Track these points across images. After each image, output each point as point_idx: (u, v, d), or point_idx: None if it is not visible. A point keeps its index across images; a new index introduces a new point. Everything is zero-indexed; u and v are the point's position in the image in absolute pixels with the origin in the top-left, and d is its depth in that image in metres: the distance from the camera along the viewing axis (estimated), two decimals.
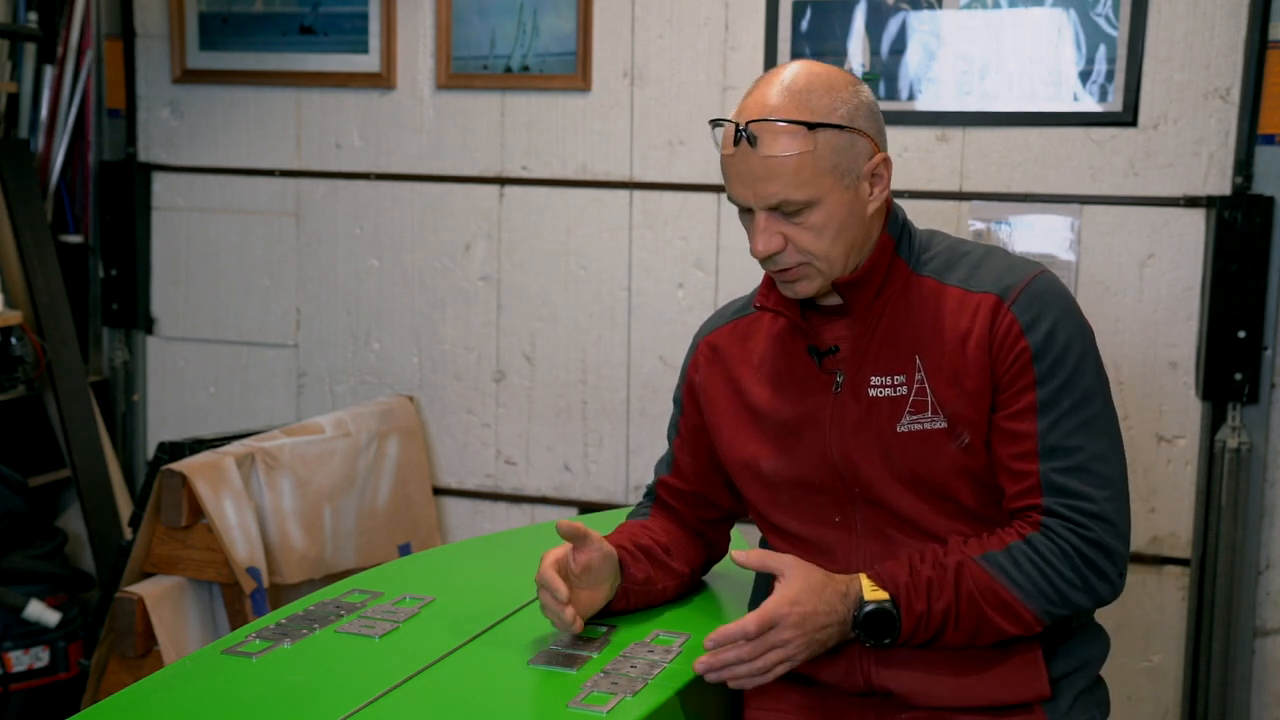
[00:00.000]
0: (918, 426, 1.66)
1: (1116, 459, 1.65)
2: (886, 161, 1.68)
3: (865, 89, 1.69)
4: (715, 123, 1.69)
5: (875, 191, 1.68)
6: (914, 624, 1.60)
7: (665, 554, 1.85)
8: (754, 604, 1.81)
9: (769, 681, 1.60)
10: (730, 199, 1.70)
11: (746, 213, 1.69)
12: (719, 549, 1.97)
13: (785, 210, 1.64)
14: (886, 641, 1.61)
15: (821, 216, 1.64)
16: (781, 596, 1.57)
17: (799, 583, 1.59)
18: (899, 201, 1.79)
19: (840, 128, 1.63)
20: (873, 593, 1.61)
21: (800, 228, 1.65)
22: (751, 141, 1.62)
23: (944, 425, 1.65)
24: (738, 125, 1.64)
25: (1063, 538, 1.60)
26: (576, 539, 1.70)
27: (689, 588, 1.92)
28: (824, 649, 1.62)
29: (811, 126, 1.62)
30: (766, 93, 1.65)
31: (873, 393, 1.68)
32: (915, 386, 1.66)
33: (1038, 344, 1.63)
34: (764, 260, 1.69)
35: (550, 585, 1.66)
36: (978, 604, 1.60)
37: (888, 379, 1.68)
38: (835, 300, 1.73)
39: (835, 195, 1.64)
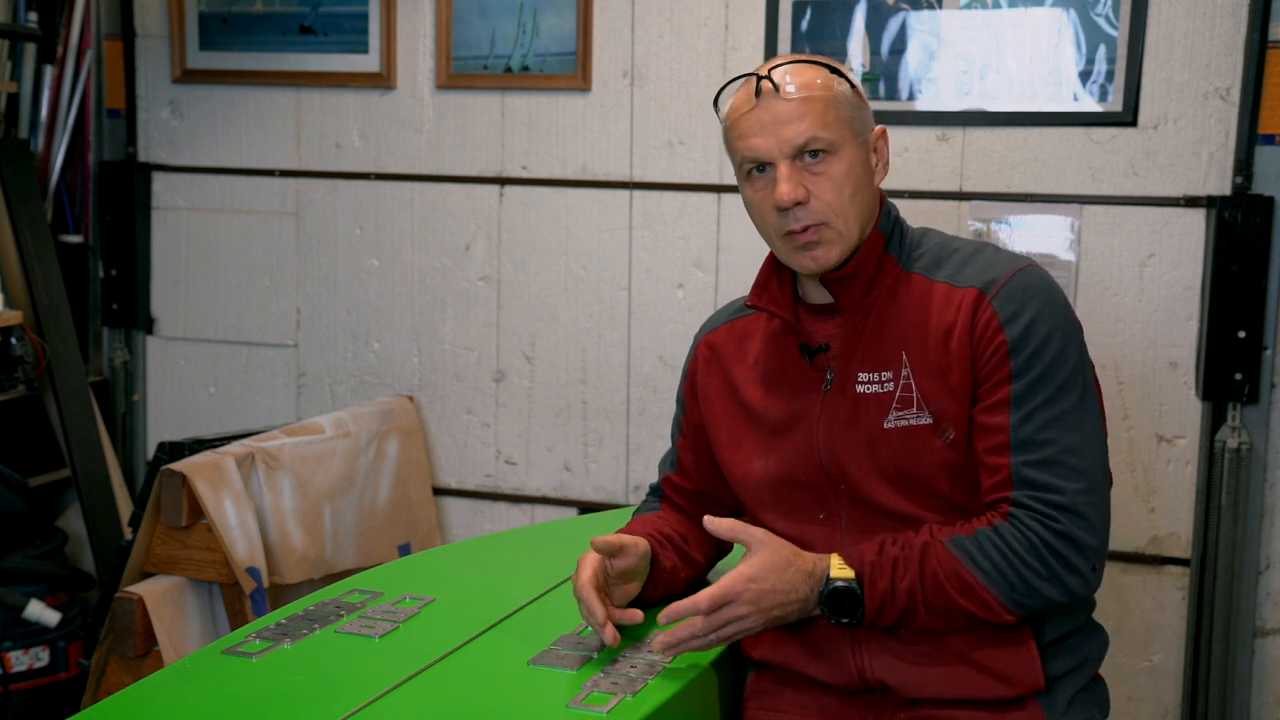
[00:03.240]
0: (904, 422, 1.67)
1: (1093, 453, 1.65)
2: (884, 134, 1.75)
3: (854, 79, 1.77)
4: (727, 85, 1.72)
5: (879, 165, 1.74)
6: (877, 602, 1.62)
7: (685, 544, 1.87)
8: None
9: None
10: (744, 162, 1.69)
11: (760, 176, 1.68)
12: (725, 544, 1.97)
13: (811, 151, 1.65)
14: (847, 620, 1.63)
15: (843, 167, 1.67)
16: (739, 573, 1.60)
17: (761, 560, 1.61)
18: (897, 201, 1.80)
19: (853, 86, 1.71)
20: (839, 570, 1.63)
21: (822, 178, 1.66)
22: (776, 88, 1.66)
23: (929, 421, 1.66)
24: (759, 75, 1.67)
25: (1029, 528, 1.61)
26: (614, 553, 1.72)
27: (702, 579, 1.94)
28: (782, 623, 1.65)
29: (833, 70, 1.69)
30: (775, 60, 1.72)
31: (860, 389, 1.70)
32: (901, 383, 1.67)
33: (1015, 338, 1.63)
34: (784, 217, 1.66)
35: (589, 606, 1.66)
36: (942, 586, 1.61)
37: (875, 375, 1.69)
38: (827, 299, 1.74)
39: (852, 148, 1.68)
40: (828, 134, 1.65)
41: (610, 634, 1.65)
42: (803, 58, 1.72)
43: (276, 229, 3.48)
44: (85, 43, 3.54)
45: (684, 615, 1.59)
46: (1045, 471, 1.61)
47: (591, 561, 1.69)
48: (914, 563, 1.61)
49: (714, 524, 1.65)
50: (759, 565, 1.60)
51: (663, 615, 1.60)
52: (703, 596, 1.58)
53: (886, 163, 1.74)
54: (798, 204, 1.65)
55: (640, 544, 1.75)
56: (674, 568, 1.83)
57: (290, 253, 3.47)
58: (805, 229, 1.67)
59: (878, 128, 1.74)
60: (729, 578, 1.60)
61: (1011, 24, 2.85)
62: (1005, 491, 1.63)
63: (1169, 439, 2.85)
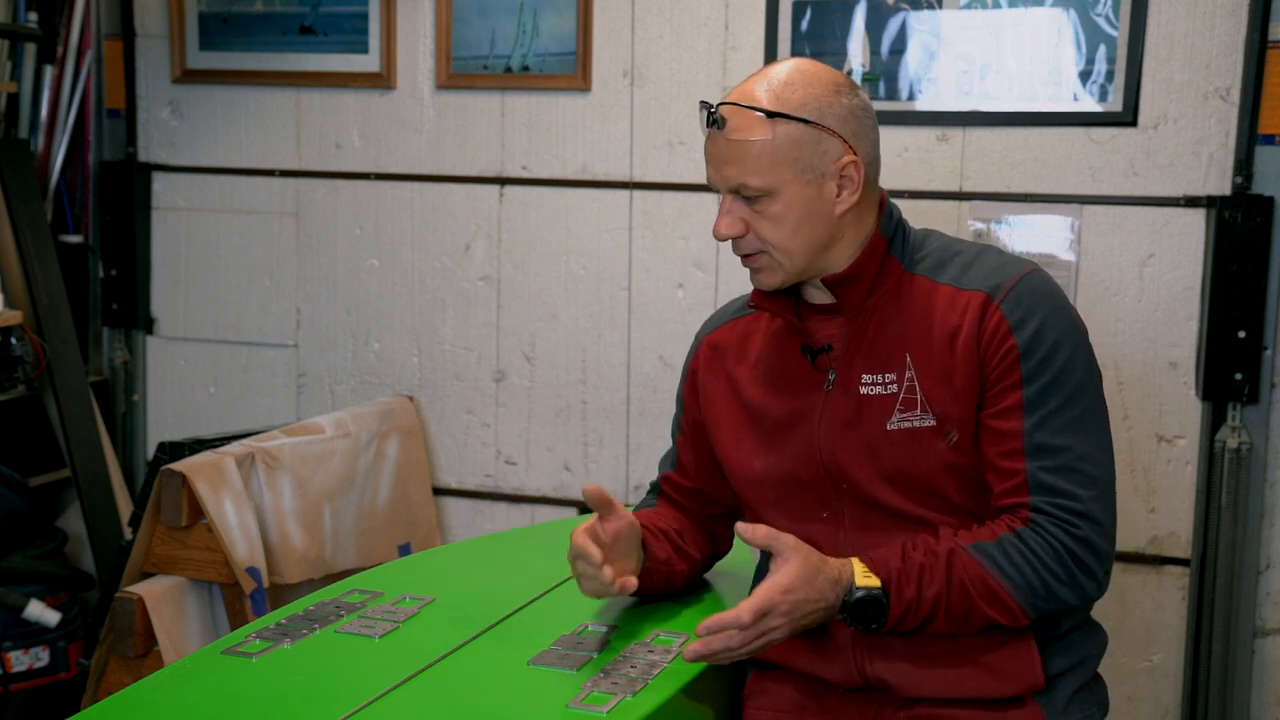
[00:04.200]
0: (907, 424, 1.67)
1: (1103, 458, 1.66)
2: (857, 164, 1.68)
3: (852, 95, 1.69)
4: (701, 105, 1.72)
5: (844, 194, 1.69)
6: (903, 610, 1.62)
7: (680, 539, 1.87)
8: (758, 582, 1.82)
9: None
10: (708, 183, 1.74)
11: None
12: (723, 543, 1.98)
13: (745, 195, 1.68)
14: (874, 627, 1.62)
15: (779, 207, 1.67)
16: (774, 584, 1.58)
17: (794, 569, 1.59)
18: (897, 201, 1.80)
19: (805, 122, 1.64)
20: (864, 579, 1.62)
21: (760, 216, 1.68)
22: (720, 124, 1.67)
23: (933, 423, 1.66)
24: (710, 108, 1.68)
25: (1051, 534, 1.61)
26: (603, 506, 1.72)
27: (699, 576, 1.94)
28: (806, 630, 1.64)
29: (770, 115, 1.64)
30: (753, 82, 1.70)
31: (863, 390, 1.70)
32: (905, 385, 1.68)
33: (1025, 342, 1.63)
34: (731, 242, 1.72)
35: (585, 552, 1.67)
36: (967, 592, 1.61)
37: (878, 377, 1.69)
38: (829, 299, 1.74)
39: (794, 188, 1.66)
40: (758, 181, 1.65)
41: (610, 573, 1.66)
42: (756, 102, 1.65)
43: (276, 229, 3.48)
44: (85, 43, 3.54)
45: (726, 627, 1.57)
46: (1061, 478, 1.62)
47: (582, 526, 1.71)
48: (940, 570, 1.61)
49: (748, 532, 1.62)
50: (792, 575, 1.58)
51: (702, 626, 1.57)
52: (745, 610, 1.56)
53: (859, 187, 1.68)
54: (734, 236, 1.70)
55: (629, 514, 1.75)
56: (668, 559, 1.82)
57: (290, 253, 3.47)
58: (746, 256, 1.72)
59: (848, 157, 1.66)
60: (765, 590, 1.58)
61: (1011, 24, 2.85)
62: (1022, 496, 1.63)
63: (1169, 439, 2.85)
